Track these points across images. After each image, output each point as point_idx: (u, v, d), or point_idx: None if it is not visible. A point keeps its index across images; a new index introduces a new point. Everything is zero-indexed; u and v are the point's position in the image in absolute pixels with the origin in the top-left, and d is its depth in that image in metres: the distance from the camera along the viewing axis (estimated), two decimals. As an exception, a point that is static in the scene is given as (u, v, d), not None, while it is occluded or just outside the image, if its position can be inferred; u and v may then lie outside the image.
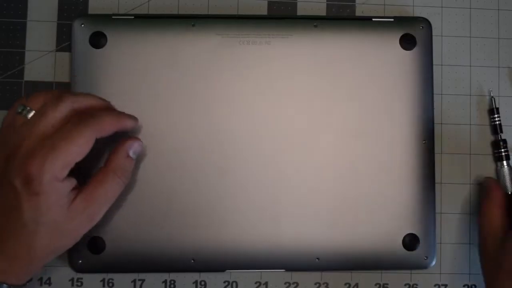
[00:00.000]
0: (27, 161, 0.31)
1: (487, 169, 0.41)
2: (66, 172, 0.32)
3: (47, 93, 0.33)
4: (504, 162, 0.39)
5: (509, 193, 0.39)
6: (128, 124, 0.35)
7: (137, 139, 0.35)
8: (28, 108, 0.32)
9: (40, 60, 0.40)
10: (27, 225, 0.31)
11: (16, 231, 0.31)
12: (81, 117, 0.33)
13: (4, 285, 0.31)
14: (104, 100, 0.35)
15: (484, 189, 0.39)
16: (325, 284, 0.40)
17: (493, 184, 0.38)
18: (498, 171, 0.40)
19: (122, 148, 0.35)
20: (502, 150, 0.39)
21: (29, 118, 0.32)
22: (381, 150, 0.38)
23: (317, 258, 0.38)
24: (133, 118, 0.36)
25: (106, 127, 0.33)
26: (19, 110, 0.32)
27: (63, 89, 0.39)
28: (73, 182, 0.32)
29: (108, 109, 0.36)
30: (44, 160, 0.31)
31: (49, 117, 0.32)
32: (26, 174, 0.30)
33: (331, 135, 0.38)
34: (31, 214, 0.31)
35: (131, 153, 0.35)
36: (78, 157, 0.32)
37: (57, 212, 0.31)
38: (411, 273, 0.40)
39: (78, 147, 0.32)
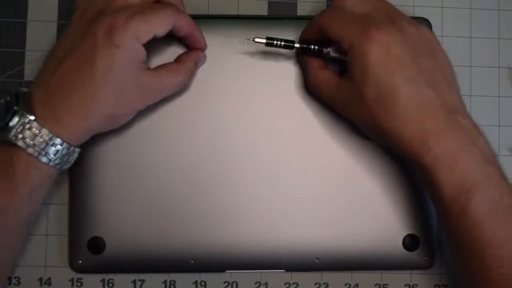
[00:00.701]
0: (115, 14, 0.32)
1: (487, 169, 0.41)
2: (147, 38, 0.33)
3: None
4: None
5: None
6: (199, 40, 0.37)
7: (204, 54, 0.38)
8: None
9: (40, 60, 0.40)
10: (97, 76, 0.32)
11: (86, 80, 0.32)
12: (165, 2, 0.35)
13: (57, 139, 0.31)
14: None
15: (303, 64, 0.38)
16: (325, 285, 0.40)
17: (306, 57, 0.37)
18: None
19: (195, 53, 0.37)
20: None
21: None
22: (381, 150, 0.38)
23: (317, 259, 0.38)
24: (204, 41, 0.37)
25: (184, 23, 0.35)
26: None
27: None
28: (145, 54, 0.33)
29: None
30: (131, 17, 0.32)
31: None
32: (111, 25, 0.32)
33: (331, 135, 0.38)
34: (104, 66, 0.31)
35: (198, 62, 0.37)
36: (159, 31, 0.33)
37: (128, 72, 0.32)
38: (411, 273, 0.40)
39: (163, 21, 0.33)
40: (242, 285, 0.39)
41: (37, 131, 0.31)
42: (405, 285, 0.40)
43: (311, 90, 0.37)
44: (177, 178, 0.38)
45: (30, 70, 0.40)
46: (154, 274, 0.39)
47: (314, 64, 0.36)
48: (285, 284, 0.40)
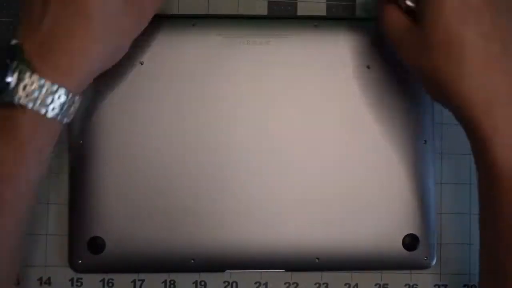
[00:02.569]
0: None
1: (487, 169, 0.41)
2: None
3: None
4: None
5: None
6: None
7: None
8: None
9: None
10: (90, 12, 0.30)
11: (80, 20, 0.30)
12: None
13: (62, 89, 0.30)
14: None
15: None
16: (325, 284, 0.40)
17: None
18: None
19: None
20: None
21: None
22: (381, 150, 0.38)
23: (317, 258, 0.38)
24: None
25: None
26: None
27: None
28: None
29: None
30: None
31: None
32: None
33: (331, 135, 0.38)
34: (95, 4, 0.30)
35: None
36: None
37: (118, 3, 0.31)
38: (411, 273, 0.40)
39: None
40: (242, 285, 0.39)
41: (40, 85, 0.29)
42: (405, 285, 0.40)
43: (380, 28, 0.35)
44: (178, 178, 0.38)
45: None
46: (154, 274, 0.39)
47: (390, 6, 0.34)
48: (285, 284, 0.40)
